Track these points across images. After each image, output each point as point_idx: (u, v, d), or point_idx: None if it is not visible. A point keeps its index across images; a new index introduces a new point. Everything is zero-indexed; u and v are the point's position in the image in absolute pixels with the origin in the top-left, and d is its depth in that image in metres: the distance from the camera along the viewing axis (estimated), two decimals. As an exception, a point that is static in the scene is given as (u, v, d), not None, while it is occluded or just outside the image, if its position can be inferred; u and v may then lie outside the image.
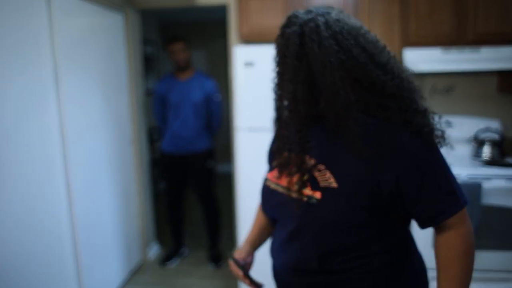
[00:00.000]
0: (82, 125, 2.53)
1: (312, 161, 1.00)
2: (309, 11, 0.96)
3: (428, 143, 0.95)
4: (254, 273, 1.29)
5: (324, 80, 0.91)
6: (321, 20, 0.93)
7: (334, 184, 0.96)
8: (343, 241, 0.98)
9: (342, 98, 0.91)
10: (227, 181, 3.75)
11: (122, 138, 3.08)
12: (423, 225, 0.98)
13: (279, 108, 1.04)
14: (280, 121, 1.05)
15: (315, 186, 0.98)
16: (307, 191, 1.00)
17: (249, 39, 2.94)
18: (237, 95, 2.48)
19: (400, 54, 2.75)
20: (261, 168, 2.52)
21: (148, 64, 5.08)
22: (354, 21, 0.97)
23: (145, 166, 3.46)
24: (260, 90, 2.44)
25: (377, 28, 2.75)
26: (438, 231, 0.99)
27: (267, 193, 1.13)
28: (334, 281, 1.00)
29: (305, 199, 1.00)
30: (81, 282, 2.49)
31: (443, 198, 0.95)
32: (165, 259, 3.39)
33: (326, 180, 0.97)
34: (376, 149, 0.92)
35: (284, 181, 1.06)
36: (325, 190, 0.97)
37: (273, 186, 1.10)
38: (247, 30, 2.89)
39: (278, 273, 1.14)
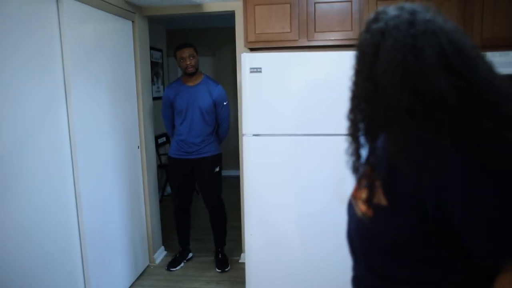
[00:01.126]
0: (91, 130, 2.56)
1: (373, 175, 0.94)
2: (400, 7, 0.89)
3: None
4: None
5: (384, 77, 0.84)
6: (407, 17, 0.86)
7: (384, 202, 0.89)
8: (389, 266, 0.93)
9: (394, 100, 0.83)
10: (238, 186, 3.77)
11: (130, 144, 3.11)
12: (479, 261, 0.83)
13: (354, 109, 0.96)
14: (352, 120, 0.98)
15: (370, 203, 0.94)
16: (363, 207, 0.96)
17: (255, 46, 2.97)
18: (244, 101, 2.50)
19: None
20: (267, 173, 2.55)
21: (155, 71, 5.13)
22: (450, 25, 0.86)
23: (152, 171, 3.49)
24: (266, 96, 2.47)
25: (382, 34, 2.76)
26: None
27: (348, 204, 1.09)
28: None
29: (360, 215, 0.97)
30: (88, 286, 2.51)
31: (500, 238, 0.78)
32: (171, 264, 3.40)
33: (378, 197, 0.91)
34: (419, 167, 0.83)
35: (358, 194, 1.02)
36: (376, 208, 0.92)
37: (351, 198, 1.07)
38: (254, 37, 2.92)
39: None
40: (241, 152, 3.12)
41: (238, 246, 3.71)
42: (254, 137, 2.52)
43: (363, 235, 0.97)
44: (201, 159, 3.24)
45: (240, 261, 3.50)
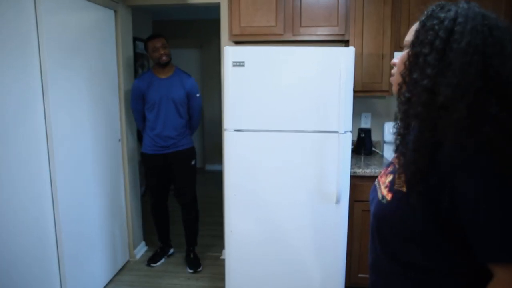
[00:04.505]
0: (69, 123, 2.49)
1: (400, 162, 0.98)
2: (467, 2, 0.93)
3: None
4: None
5: (462, 57, 0.85)
6: (479, 10, 0.90)
7: (404, 189, 0.95)
8: (402, 251, 0.99)
9: (468, 79, 0.85)
10: (222, 181, 3.72)
11: (111, 136, 3.04)
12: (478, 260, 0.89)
13: (412, 88, 0.95)
14: (405, 100, 0.99)
15: (391, 188, 1.00)
16: (385, 191, 1.03)
17: (240, 39, 2.92)
18: (226, 95, 2.45)
19: (391, 57, 2.74)
20: (248, 169, 2.52)
21: (140, 62, 5.04)
22: (505, 22, 0.93)
23: (133, 165, 3.43)
24: (249, 91, 2.43)
25: (369, 31, 2.73)
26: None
27: (372, 188, 1.15)
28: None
29: (380, 198, 1.04)
30: (64, 282, 2.45)
31: (494, 237, 0.84)
32: (152, 259, 3.35)
33: (400, 184, 0.97)
34: (444, 164, 0.86)
35: (382, 179, 1.09)
36: (396, 193, 0.98)
37: (376, 182, 1.14)
38: (239, 30, 2.87)
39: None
40: (223, 146, 3.07)
41: (220, 242, 3.68)
42: (236, 132, 2.47)
43: (380, 217, 1.03)
44: (178, 152, 3.18)
45: (221, 257, 3.46)
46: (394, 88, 1.04)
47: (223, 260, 3.35)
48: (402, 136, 0.98)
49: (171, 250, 3.53)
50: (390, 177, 1.03)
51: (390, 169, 1.07)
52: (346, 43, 2.99)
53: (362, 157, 2.99)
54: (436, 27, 0.90)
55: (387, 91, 2.79)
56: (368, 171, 2.60)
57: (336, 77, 2.35)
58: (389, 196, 1.00)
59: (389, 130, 3.07)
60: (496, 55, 0.85)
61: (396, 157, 1.03)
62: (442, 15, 0.91)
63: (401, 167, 0.96)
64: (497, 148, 0.81)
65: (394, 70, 1.07)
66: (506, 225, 0.82)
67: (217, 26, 3.23)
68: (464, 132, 0.83)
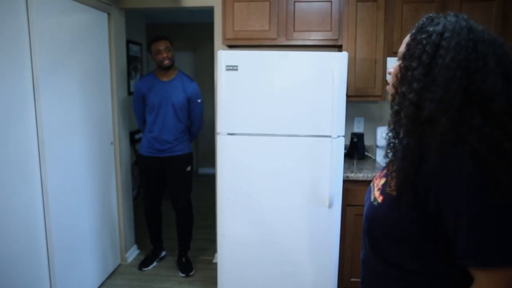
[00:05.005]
0: (61, 126, 2.47)
1: (393, 166, 1.02)
2: (455, 15, 0.96)
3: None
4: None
5: (445, 73, 0.89)
6: (465, 24, 0.93)
7: (394, 193, 0.98)
8: (392, 252, 1.02)
9: (450, 94, 0.88)
10: (215, 184, 3.74)
11: (103, 139, 3.03)
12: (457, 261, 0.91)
13: (400, 101, 0.99)
14: (394, 112, 1.03)
15: (383, 191, 1.03)
16: (377, 193, 1.05)
17: (234, 43, 2.92)
18: (219, 99, 2.45)
19: (384, 62, 2.76)
20: (241, 173, 2.51)
21: (133, 65, 5.03)
22: (499, 37, 0.95)
23: (125, 168, 3.41)
24: (242, 95, 2.43)
25: (362, 36, 2.75)
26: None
27: (367, 191, 1.17)
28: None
29: (372, 199, 1.06)
30: (54, 285, 2.43)
31: (475, 241, 0.86)
32: (143, 263, 3.33)
33: (391, 188, 1.00)
34: (434, 168, 0.89)
35: (376, 182, 1.12)
36: (387, 196, 1.01)
37: (371, 184, 1.16)
38: (232, 34, 2.87)
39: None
40: (216, 150, 3.07)
41: (212, 246, 3.66)
42: (229, 136, 2.47)
43: (371, 219, 1.06)
44: (173, 157, 3.15)
45: (214, 261, 3.45)
46: (390, 98, 1.07)
47: (216, 263, 3.34)
48: (392, 144, 1.04)
49: (163, 253, 3.51)
50: (383, 180, 1.06)
51: (384, 172, 1.10)
52: (339, 48, 3.00)
53: (355, 162, 3.00)
54: (424, 41, 0.94)
55: (379, 96, 2.80)
56: (360, 176, 2.61)
57: (329, 82, 2.36)
58: (380, 199, 1.03)
59: (381, 134, 3.08)
60: (479, 71, 0.88)
61: (388, 163, 1.07)
62: (431, 28, 0.94)
63: (391, 173, 1.01)
64: (479, 156, 0.84)
65: (389, 79, 1.10)
66: (486, 231, 0.84)
67: (211, 29, 3.23)
68: (448, 144, 0.87)
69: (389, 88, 1.07)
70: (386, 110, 3.20)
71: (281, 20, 2.82)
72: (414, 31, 0.99)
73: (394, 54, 2.77)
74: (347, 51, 2.72)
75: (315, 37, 2.83)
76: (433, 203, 0.89)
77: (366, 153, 3.18)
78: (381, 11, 2.73)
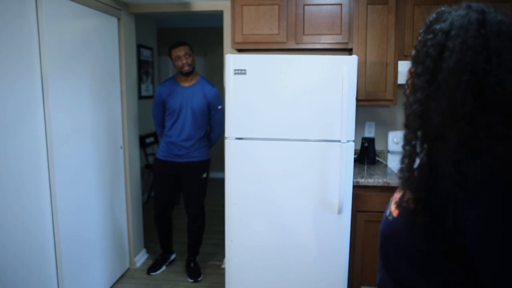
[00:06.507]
0: (70, 129, 2.48)
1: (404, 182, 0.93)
2: (467, 6, 0.82)
3: None
4: None
5: (448, 79, 0.78)
6: (476, 16, 0.79)
7: (410, 206, 0.87)
8: (406, 272, 0.91)
9: (456, 104, 0.77)
10: (222, 188, 3.76)
11: (113, 144, 3.03)
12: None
13: (408, 113, 0.90)
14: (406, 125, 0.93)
15: (399, 204, 0.92)
16: (393, 207, 0.96)
17: (243, 47, 2.90)
18: (227, 103, 2.43)
19: (395, 65, 2.71)
20: (250, 178, 2.49)
21: (145, 69, 5.05)
22: None
23: (135, 172, 3.41)
24: (250, 100, 2.40)
25: (373, 39, 2.71)
26: None
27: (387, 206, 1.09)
28: None
29: (388, 214, 0.98)
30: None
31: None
32: (152, 268, 3.32)
33: (407, 201, 0.89)
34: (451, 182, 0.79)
35: (395, 195, 1.01)
36: (402, 209, 0.90)
37: (392, 197, 1.06)
38: (241, 38, 2.85)
39: None
40: (225, 155, 3.05)
41: (221, 250, 3.63)
42: (237, 140, 2.45)
43: (385, 234, 0.97)
44: (190, 163, 3.12)
45: (222, 266, 3.42)
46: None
47: (224, 269, 3.31)
48: (407, 157, 0.91)
49: (173, 256, 3.49)
50: (400, 193, 0.95)
51: (401, 184, 0.99)
52: (349, 51, 2.97)
53: (366, 167, 2.95)
54: (429, 43, 0.83)
55: (391, 100, 2.76)
56: (371, 181, 2.56)
57: (339, 86, 2.32)
58: (395, 213, 0.94)
59: (393, 139, 3.03)
60: (492, 72, 0.75)
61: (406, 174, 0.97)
62: (437, 26, 0.83)
63: (405, 185, 0.91)
64: (510, 168, 0.74)
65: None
66: None
67: (221, 33, 3.22)
68: (465, 160, 0.77)
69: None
70: (397, 115, 3.15)
71: (290, 24, 2.80)
72: (422, 30, 0.88)
73: (405, 57, 2.72)
74: (357, 54, 2.68)
75: (324, 41, 2.80)
76: (452, 221, 0.79)
77: (377, 158, 3.13)
78: (392, 14, 2.69)
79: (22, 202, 2.12)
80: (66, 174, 2.45)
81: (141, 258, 3.52)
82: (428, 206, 0.83)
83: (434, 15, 0.87)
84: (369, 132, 3.19)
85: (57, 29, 2.34)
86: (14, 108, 2.05)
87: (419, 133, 0.85)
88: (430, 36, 0.84)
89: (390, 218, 0.95)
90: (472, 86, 0.76)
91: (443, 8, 0.87)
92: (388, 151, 3.08)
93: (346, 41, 2.78)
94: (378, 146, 3.16)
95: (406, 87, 0.93)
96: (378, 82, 2.75)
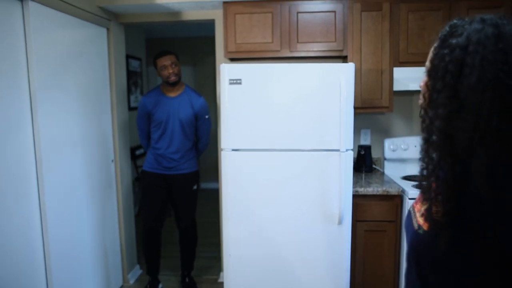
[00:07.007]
0: (59, 144, 2.40)
1: (436, 189, 0.89)
2: (481, 20, 0.82)
3: None
4: None
5: (472, 96, 0.78)
6: (492, 31, 0.79)
7: (441, 219, 0.85)
8: (440, 284, 0.90)
9: (482, 121, 0.77)
10: (216, 199, 3.67)
11: (103, 157, 2.94)
12: None
13: (428, 127, 0.88)
14: (425, 139, 0.91)
15: (428, 217, 0.90)
16: (421, 219, 0.93)
17: (236, 56, 2.85)
18: (223, 114, 2.37)
19: (391, 72, 2.69)
20: (247, 190, 2.42)
21: (133, 80, 4.97)
22: None
23: (127, 185, 3.32)
24: (246, 110, 2.35)
25: (368, 46, 2.69)
26: None
27: (406, 215, 1.06)
28: None
29: (417, 227, 0.94)
30: (54, 312, 2.32)
31: None
32: None
33: (437, 213, 0.86)
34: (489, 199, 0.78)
35: (417, 207, 0.99)
36: (433, 222, 0.88)
37: (410, 209, 1.04)
38: (234, 47, 2.80)
39: None
40: (220, 168, 2.98)
41: (217, 264, 3.55)
42: (234, 152, 2.39)
43: (417, 248, 0.94)
44: (180, 175, 3.01)
45: (219, 280, 3.33)
46: (420, 116, 0.97)
47: (221, 283, 3.23)
48: (426, 171, 0.89)
49: (160, 286, 3.24)
50: (425, 205, 0.93)
51: (424, 196, 0.96)
52: (343, 58, 2.94)
53: (363, 175, 2.91)
54: (447, 58, 0.82)
55: (387, 107, 2.73)
56: (370, 190, 2.52)
57: (336, 94, 2.28)
58: (425, 226, 0.91)
59: (389, 146, 3.00)
60: (465, 97, 0.77)
61: (430, 183, 0.93)
62: (453, 41, 0.82)
63: (436, 196, 0.87)
64: None
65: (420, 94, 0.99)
66: None
67: (211, 43, 3.17)
68: (497, 174, 0.76)
69: (420, 103, 0.97)
70: (393, 122, 3.13)
71: (284, 32, 2.76)
72: (436, 44, 0.88)
73: (401, 64, 2.70)
74: (352, 61, 2.65)
75: (319, 48, 2.77)
76: (494, 236, 0.78)
77: (373, 165, 3.09)
78: (386, 20, 2.67)
79: (11, 218, 2.02)
80: (56, 188, 2.36)
81: (135, 275, 3.41)
82: (459, 220, 0.81)
83: (447, 29, 0.87)
84: (365, 140, 3.15)
85: (45, 40, 2.26)
86: (1, 121, 1.96)
87: (442, 148, 0.83)
88: (446, 51, 0.83)
89: (420, 232, 0.92)
90: (496, 102, 0.76)
91: (455, 21, 0.86)
92: (385, 159, 3.04)
93: (340, 48, 2.75)
94: (374, 154, 3.13)
95: (422, 99, 0.92)
96: (373, 89, 2.72)
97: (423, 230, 0.91)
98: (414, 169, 3.00)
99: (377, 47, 2.69)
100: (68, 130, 2.50)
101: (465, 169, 0.80)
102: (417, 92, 3.03)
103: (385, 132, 3.14)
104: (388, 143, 3.01)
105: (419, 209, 0.97)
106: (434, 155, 0.86)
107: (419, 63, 2.68)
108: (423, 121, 0.90)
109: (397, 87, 2.71)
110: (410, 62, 2.69)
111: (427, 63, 0.90)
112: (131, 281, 3.32)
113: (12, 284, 2.03)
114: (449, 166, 0.82)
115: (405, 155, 2.98)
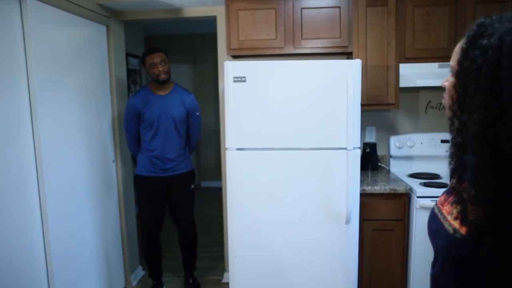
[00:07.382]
0: (59, 145, 2.34)
1: (471, 192, 0.85)
2: (510, 19, 0.79)
3: None
4: None
5: (507, 106, 0.74)
6: None
7: (483, 224, 0.81)
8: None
9: None
10: (219, 198, 3.62)
11: (104, 157, 2.89)
12: None
13: (460, 131, 0.85)
14: (457, 143, 0.88)
15: (465, 220, 0.86)
16: (456, 223, 0.89)
17: (239, 53, 2.80)
18: (227, 113, 2.32)
19: (397, 68, 2.64)
20: (252, 190, 2.38)
21: (132, 78, 4.91)
22: None
23: (129, 186, 3.26)
24: (251, 108, 2.30)
25: (373, 42, 2.64)
26: None
27: (430, 216, 1.03)
28: None
29: (451, 231, 0.89)
30: (56, 316, 2.28)
31: None
32: None
33: (477, 216, 0.83)
34: None
35: (446, 208, 0.95)
36: (471, 226, 0.84)
37: (436, 210, 1.00)
38: (237, 44, 2.75)
39: None
40: (224, 167, 2.93)
41: (220, 264, 3.51)
42: (238, 151, 2.34)
43: (456, 254, 0.88)
44: (178, 176, 2.93)
45: (223, 281, 3.29)
46: (447, 112, 0.93)
47: (225, 283, 3.19)
48: (458, 173, 0.86)
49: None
50: (458, 207, 0.90)
51: (454, 198, 0.93)
52: (348, 55, 2.89)
53: (369, 173, 2.87)
54: (479, 60, 0.78)
55: (393, 104, 2.68)
56: (377, 188, 2.47)
57: (343, 91, 2.24)
58: (463, 230, 0.87)
59: (395, 144, 2.95)
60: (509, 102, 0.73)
61: (459, 187, 0.91)
62: (484, 42, 0.78)
63: (472, 198, 0.84)
64: None
65: (445, 94, 0.96)
66: None
67: (211, 40, 3.13)
68: None
69: (445, 103, 0.94)
70: (399, 118, 3.08)
71: (288, 28, 2.71)
72: (465, 44, 0.83)
73: (407, 60, 2.65)
74: (357, 58, 2.60)
75: (323, 45, 2.72)
76: None
77: (379, 163, 3.05)
78: (392, 16, 2.62)
79: (11, 218, 1.98)
80: (56, 189, 2.31)
81: (137, 276, 3.36)
82: (502, 226, 0.77)
83: (475, 28, 0.82)
84: (370, 137, 3.11)
85: (44, 39, 2.21)
86: (0, 120, 1.91)
87: (481, 154, 0.79)
88: (477, 52, 0.79)
89: (457, 236, 0.87)
90: None
91: (482, 20, 0.82)
92: (391, 156, 3.00)
93: (345, 44, 2.70)
94: (380, 151, 3.08)
95: (450, 101, 0.89)
96: (379, 86, 2.67)
97: (460, 235, 0.87)
98: (420, 167, 2.96)
99: (382, 43, 2.64)
100: (68, 130, 2.44)
101: (508, 172, 0.76)
102: (423, 88, 2.99)
103: (391, 129, 3.10)
104: (394, 140, 2.96)
105: (449, 211, 0.93)
106: (466, 158, 0.82)
107: (426, 59, 2.65)
108: (451, 123, 0.87)
109: (403, 83, 2.66)
110: (417, 58, 2.64)
111: (454, 64, 0.87)
112: (134, 283, 3.27)
113: (12, 285, 1.98)
114: (491, 171, 0.78)
115: (411, 152, 2.94)
